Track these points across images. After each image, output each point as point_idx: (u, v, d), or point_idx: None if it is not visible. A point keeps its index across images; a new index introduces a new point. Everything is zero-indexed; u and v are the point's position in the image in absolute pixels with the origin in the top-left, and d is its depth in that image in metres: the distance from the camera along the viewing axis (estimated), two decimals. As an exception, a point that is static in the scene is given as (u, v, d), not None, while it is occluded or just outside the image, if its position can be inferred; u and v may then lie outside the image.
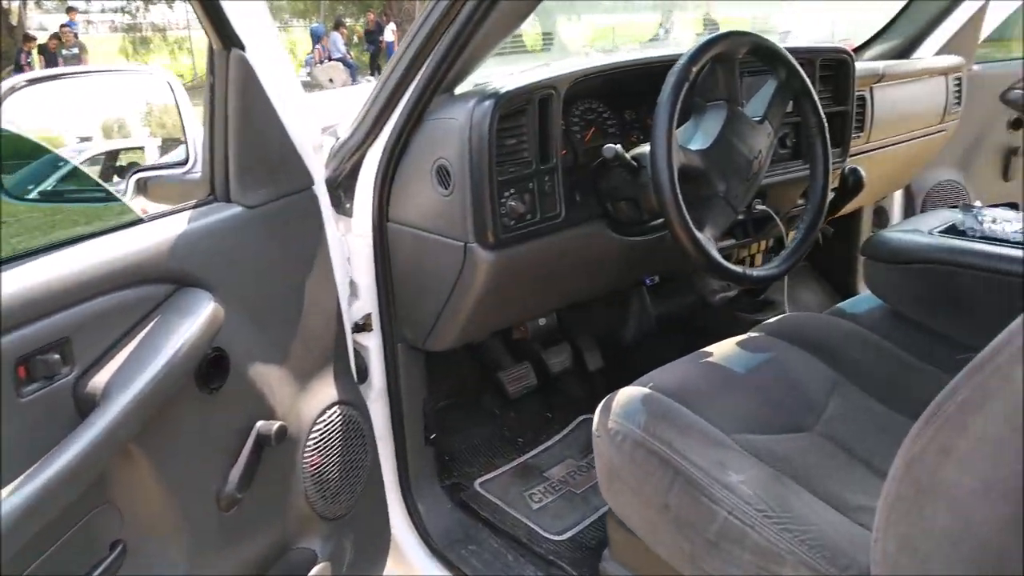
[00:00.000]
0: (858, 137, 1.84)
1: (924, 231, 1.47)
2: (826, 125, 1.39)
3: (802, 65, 1.49)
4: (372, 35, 16.05)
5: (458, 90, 1.31)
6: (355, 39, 17.23)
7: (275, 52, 1.12)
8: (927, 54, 2.27)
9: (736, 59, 1.29)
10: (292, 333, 1.18)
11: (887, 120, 1.92)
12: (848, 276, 2.55)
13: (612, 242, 1.44)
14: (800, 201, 1.83)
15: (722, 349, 1.40)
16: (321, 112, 1.57)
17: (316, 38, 15.86)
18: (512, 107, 1.22)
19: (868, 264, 1.51)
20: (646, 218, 1.43)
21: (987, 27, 2.37)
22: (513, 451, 1.77)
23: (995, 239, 1.43)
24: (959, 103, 2.18)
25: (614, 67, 1.44)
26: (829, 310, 1.61)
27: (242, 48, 1.05)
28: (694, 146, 1.26)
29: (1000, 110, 2.43)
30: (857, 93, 1.79)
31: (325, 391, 1.25)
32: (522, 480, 1.67)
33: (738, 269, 1.28)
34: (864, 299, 1.58)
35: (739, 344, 1.43)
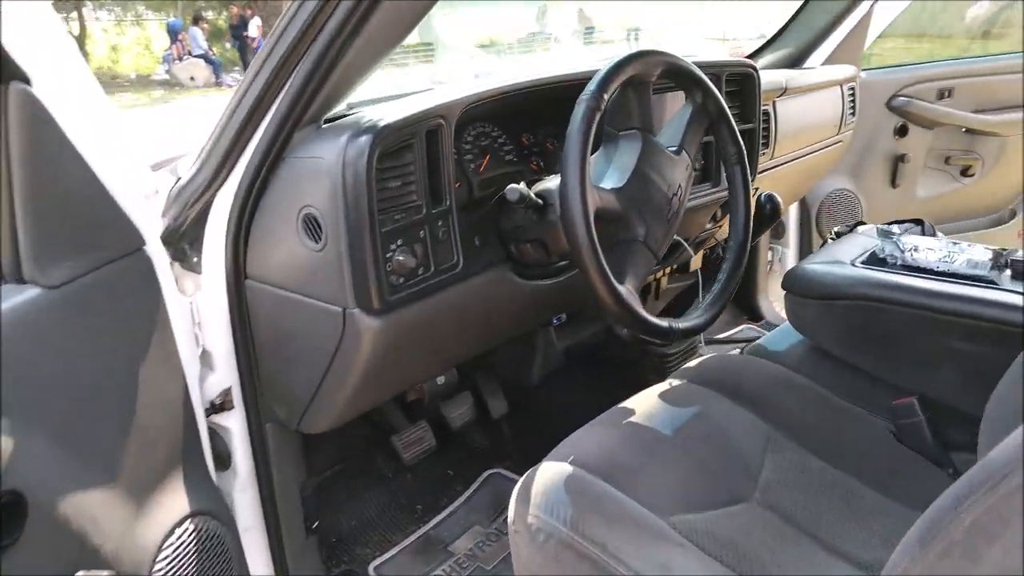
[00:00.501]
0: (763, 154, 1.74)
1: (846, 262, 1.36)
2: (745, 153, 1.25)
3: (710, 78, 1.37)
4: (237, 30, 15.20)
5: (325, 122, 1.08)
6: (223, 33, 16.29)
7: (77, 81, 0.85)
8: (816, 62, 2.22)
9: (650, 82, 1.13)
10: (121, 440, 0.91)
11: (790, 134, 1.83)
12: (751, 294, 2.49)
13: (518, 288, 1.25)
14: (708, 225, 1.71)
15: (645, 405, 1.24)
16: (160, 139, 1.29)
17: (174, 34, 14.85)
18: (394, 143, 1.00)
19: (790, 299, 1.39)
20: (555, 260, 1.25)
21: (874, 31, 2.34)
22: (412, 521, 1.55)
23: (918, 269, 1.34)
24: (854, 113, 2.14)
25: (510, 89, 1.25)
26: (750, 348, 1.49)
27: (25, 81, 0.78)
28: (608, 184, 1.09)
29: (886, 117, 2.41)
30: (763, 108, 1.68)
31: (172, 504, 1.00)
32: (424, 558, 1.45)
33: (664, 324, 1.12)
34: (784, 333, 1.47)
35: (662, 397, 1.27)
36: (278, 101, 1.01)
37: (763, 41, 2.25)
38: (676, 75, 1.17)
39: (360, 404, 1.19)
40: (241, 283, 1.11)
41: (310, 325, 1.06)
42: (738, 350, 1.84)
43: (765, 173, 1.79)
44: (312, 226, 1.01)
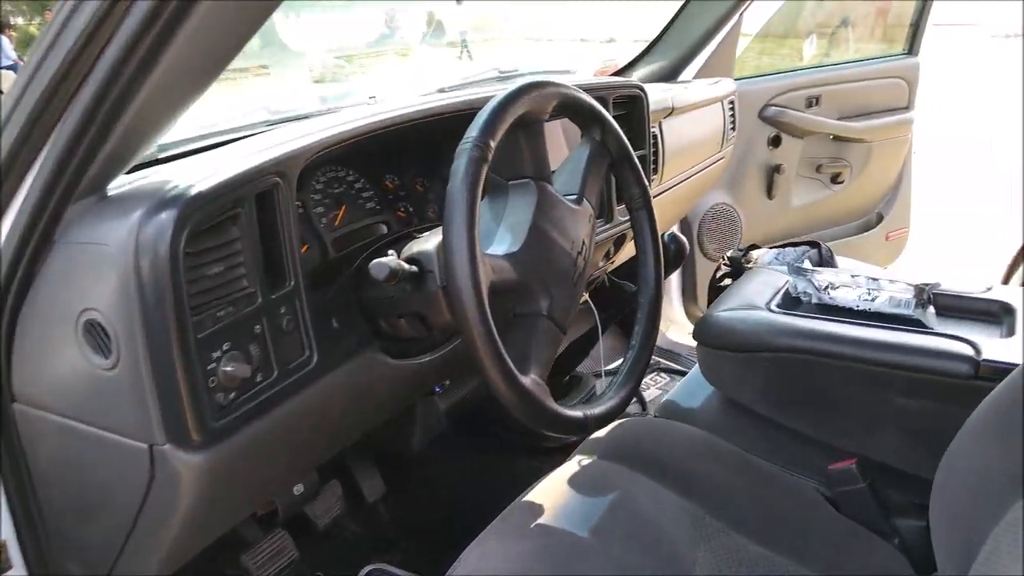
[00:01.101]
0: (652, 180, 1.58)
1: (761, 306, 1.21)
2: (651, 195, 1.07)
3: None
4: (57, 39, 13.79)
5: (113, 189, 0.79)
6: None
7: None
8: (690, 74, 2.11)
9: (542, 121, 0.92)
10: None
11: (676, 155, 1.69)
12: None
13: (391, 370, 1.01)
14: (601, 263, 1.53)
15: (553, 498, 1.03)
16: None
17: (-27, 42, 13.35)
18: (211, 216, 0.74)
19: (703, 351, 1.23)
20: (436, 335, 1.03)
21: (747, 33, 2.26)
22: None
23: (837, 309, 1.21)
24: (734, 127, 2.03)
25: (371, 129, 1.01)
26: (661, 407, 1.31)
27: None
28: (500, 248, 0.87)
29: (759, 128, 2.34)
30: (651, 131, 1.53)
31: None
32: None
33: (578, 415, 0.91)
34: (697, 386, 1.31)
35: (573, 484, 1.07)
36: (39, 162, 0.72)
37: (613, 44, 2.11)
38: (573, 110, 0.97)
39: (193, 546, 0.90)
40: (7, 409, 0.81)
41: (106, 465, 0.78)
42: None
43: (654, 200, 1.63)
44: (98, 336, 0.72)
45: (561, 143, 1.36)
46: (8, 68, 12.57)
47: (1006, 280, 1.70)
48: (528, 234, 0.88)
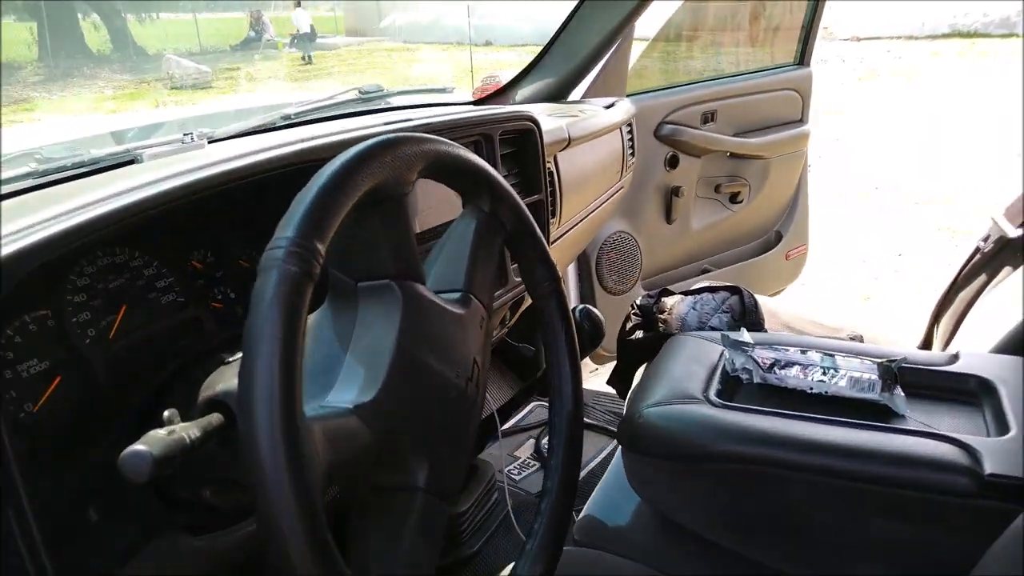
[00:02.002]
0: (551, 224, 1.33)
1: (698, 395, 0.97)
2: (560, 279, 0.80)
3: (478, 143, 0.91)
4: None
5: None
6: None
7: None
8: (579, 93, 1.88)
9: (405, 194, 0.64)
10: None
11: (575, 191, 1.44)
12: (537, 366, 2.10)
13: (198, 557, 0.70)
14: (495, 332, 1.26)
15: None
16: None
17: None
18: None
19: (631, 459, 0.98)
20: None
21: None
22: None
23: (786, 392, 0.99)
24: (633, 153, 1.81)
25: (156, 203, 0.69)
26: (579, 525, 1.05)
27: None
28: (347, 395, 0.57)
29: (655, 148, 2.14)
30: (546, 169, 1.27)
31: None
32: None
33: None
34: (622, 498, 1.06)
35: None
36: None
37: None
38: (449, 173, 0.69)
39: None
40: None
41: None
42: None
43: (554, 245, 1.38)
44: None
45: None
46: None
47: (926, 343, 1.55)
48: (390, 369, 0.59)
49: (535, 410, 2.03)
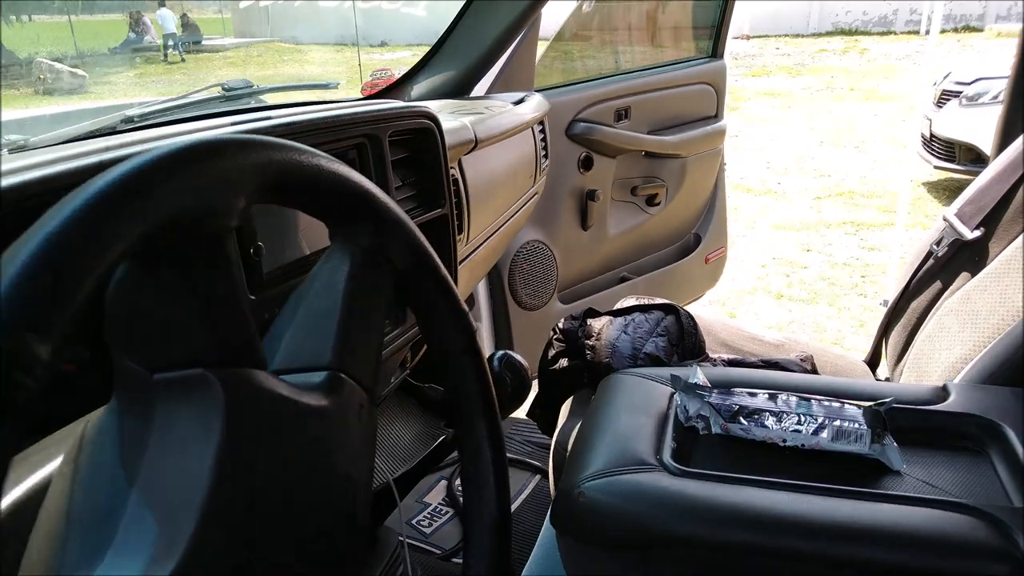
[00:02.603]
0: (459, 240, 1.11)
1: (649, 459, 0.78)
2: (476, 337, 0.58)
3: (361, 147, 0.69)
4: None
5: None
6: None
7: None
8: (483, 88, 1.67)
9: (228, 230, 0.40)
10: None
11: (484, 201, 1.23)
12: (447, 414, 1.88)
13: None
14: (395, 377, 1.03)
15: None
16: None
17: None
18: None
19: (572, 547, 0.77)
20: None
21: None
22: None
23: (755, 444, 0.81)
24: (547, 154, 1.61)
25: None
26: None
27: None
28: (128, 569, 0.34)
29: (568, 148, 1.96)
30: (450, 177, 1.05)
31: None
32: None
33: None
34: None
35: None
36: None
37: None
38: (301, 193, 0.45)
39: None
40: None
41: None
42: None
43: (462, 265, 1.17)
44: None
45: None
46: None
47: (873, 357, 1.42)
48: (203, 513, 0.36)
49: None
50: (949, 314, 1.23)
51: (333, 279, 0.49)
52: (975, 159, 4.66)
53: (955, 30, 12.60)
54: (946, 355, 1.18)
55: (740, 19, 14.33)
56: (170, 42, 14.02)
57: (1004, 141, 1.39)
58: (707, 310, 3.15)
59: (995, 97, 4.59)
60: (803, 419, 0.80)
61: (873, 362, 1.42)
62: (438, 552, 1.44)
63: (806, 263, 4.00)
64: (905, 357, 1.31)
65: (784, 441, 0.80)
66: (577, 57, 2.45)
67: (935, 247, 1.30)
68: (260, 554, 0.38)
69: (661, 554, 0.70)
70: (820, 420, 0.79)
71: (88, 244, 0.30)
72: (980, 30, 12.82)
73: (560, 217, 2.00)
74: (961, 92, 4.81)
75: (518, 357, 0.91)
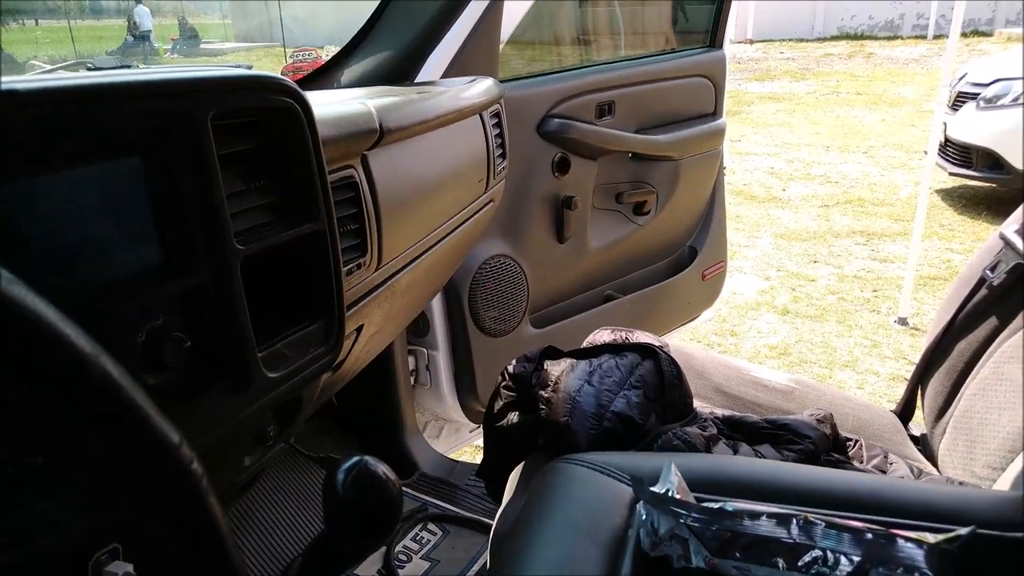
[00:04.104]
0: (362, 264, 0.83)
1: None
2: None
3: (158, 132, 0.43)
4: None
5: None
6: None
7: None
8: (434, 73, 1.38)
9: None
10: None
11: (404, 211, 0.94)
12: (396, 437, 1.60)
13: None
14: (247, 460, 0.74)
15: None
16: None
17: None
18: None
19: None
20: None
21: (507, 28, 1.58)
22: None
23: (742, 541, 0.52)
24: (504, 153, 1.33)
25: None
26: None
27: None
28: None
29: (540, 148, 1.67)
30: (337, 174, 0.77)
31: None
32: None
33: None
34: None
35: None
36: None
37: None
38: None
39: None
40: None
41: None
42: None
43: (373, 296, 0.88)
44: None
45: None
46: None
47: (906, 410, 1.13)
48: None
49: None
50: (1010, 361, 0.94)
51: None
52: (993, 165, 4.37)
53: (964, 35, 12.31)
54: (1008, 417, 0.89)
55: (743, 23, 14.07)
56: (177, 46, 14.02)
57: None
58: (699, 344, 2.87)
59: (1016, 99, 4.30)
60: (831, 557, 0.51)
61: (905, 414, 1.13)
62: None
63: (813, 276, 3.72)
64: (948, 413, 1.02)
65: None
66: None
67: (988, 273, 1.01)
68: None
69: None
70: (856, 561, 0.50)
71: None
72: (989, 34, 12.54)
73: (531, 228, 1.72)
74: (979, 94, 4.53)
75: (381, 469, 0.62)
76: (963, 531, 0.51)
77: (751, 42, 14.18)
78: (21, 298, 0.31)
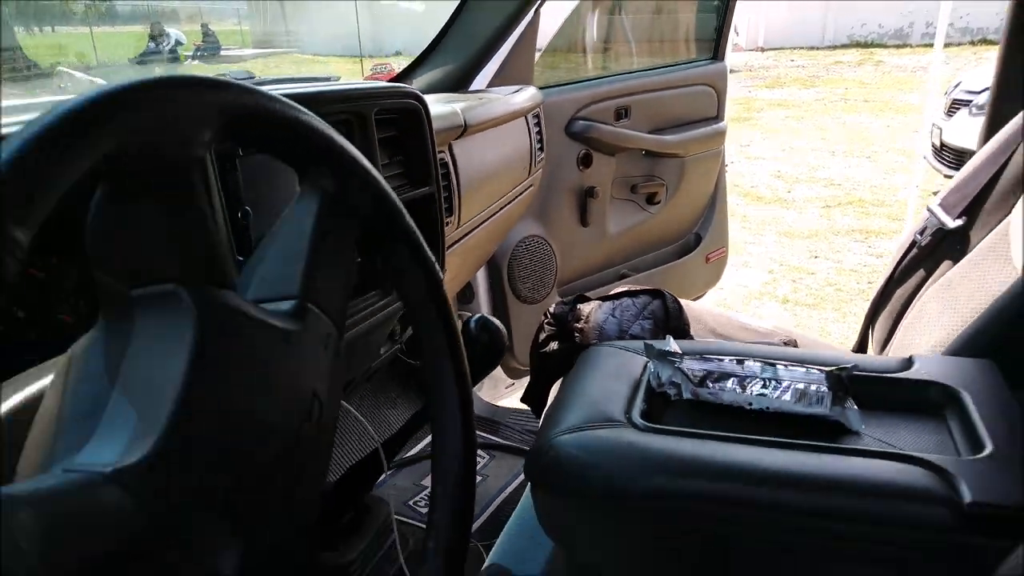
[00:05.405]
0: (448, 223, 1.15)
1: (619, 417, 0.81)
2: (443, 288, 0.62)
3: (348, 123, 0.73)
4: None
5: None
6: None
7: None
8: (483, 82, 1.71)
9: (196, 160, 0.44)
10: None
11: (476, 187, 1.27)
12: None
13: None
14: (384, 350, 1.07)
15: None
16: None
17: None
18: None
19: (545, 499, 0.80)
20: None
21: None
22: None
23: (721, 409, 0.84)
24: (542, 147, 1.65)
25: None
26: (488, 568, 0.87)
27: None
28: (105, 458, 0.38)
29: (567, 145, 2.00)
30: (438, 156, 1.09)
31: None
32: None
33: None
34: (532, 539, 0.88)
35: None
36: None
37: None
38: (265, 134, 0.50)
39: None
40: None
41: None
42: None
43: (453, 249, 1.21)
44: None
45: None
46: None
47: (860, 346, 1.44)
48: (174, 412, 0.40)
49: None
50: (931, 301, 1.25)
51: (302, 220, 0.53)
52: (985, 168, 4.64)
53: (972, 43, 12.56)
54: (926, 339, 1.20)
55: (754, 32, 14.37)
56: (198, 53, 14.30)
57: (989, 134, 1.41)
58: (699, 303, 3.17)
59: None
60: (768, 383, 0.83)
61: (860, 350, 1.45)
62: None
63: (813, 269, 4.01)
64: (890, 344, 1.33)
65: (750, 404, 0.83)
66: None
67: (919, 236, 1.32)
68: (220, 451, 0.42)
69: (627, 504, 0.74)
70: (784, 384, 0.82)
71: (58, 153, 0.34)
72: (996, 43, 12.74)
73: (559, 213, 2.04)
74: (971, 101, 4.82)
75: (493, 320, 0.95)
76: (849, 366, 0.83)
77: (762, 50, 14.47)
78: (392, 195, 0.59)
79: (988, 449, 0.71)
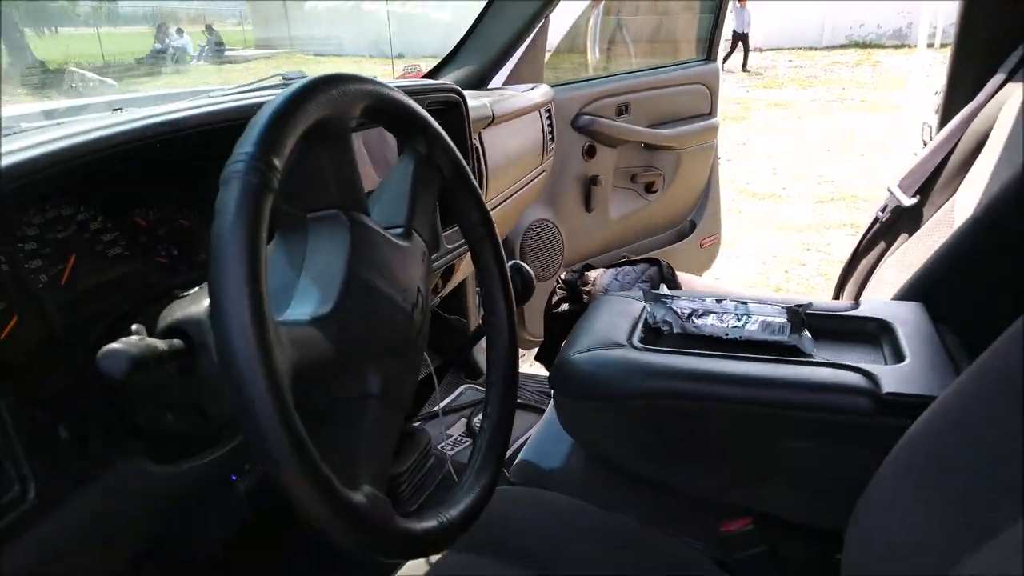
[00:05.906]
0: (478, 199, 1.37)
1: (622, 341, 1.03)
2: (494, 225, 0.85)
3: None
4: None
5: None
6: None
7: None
8: (498, 82, 1.93)
9: (348, 129, 0.67)
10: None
11: (499, 169, 1.49)
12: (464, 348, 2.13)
13: (157, 482, 0.71)
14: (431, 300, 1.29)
15: None
16: None
17: None
18: None
19: (561, 401, 1.03)
20: (217, 426, 0.73)
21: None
22: None
23: (704, 339, 1.06)
24: (553, 138, 1.87)
25: (99, 146, 0.70)
26: (515, 468, 1.09)
27: None
28: (305, 310, 0.60)
29: (573, 138, 2.22)
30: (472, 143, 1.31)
31: None
32: None
33: (433, 524, 0.66)
34: (554, 441, 1.10)
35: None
36: None
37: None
38: (389, 115, 0.73)
39: None
40: None
41: None
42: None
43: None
44: None
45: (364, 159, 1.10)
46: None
47: (836, 295, 1.66)
48: (342, 288, 0.62)
49: (466, 392, 2.06)
50: (890, 268, 1.47)
51: (404, 173, 0.76)
52: (970, 164, 4.86)
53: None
54: (884, 299, 1.42)
55: (753, 33, 14.58)
56: (204, 53, 14.47)
57: (941, 125, 1.63)
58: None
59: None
60: (741, 318, 1.05)
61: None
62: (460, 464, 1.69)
63: (805, 261, 4.23)
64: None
65: (726, 334, 1.05)
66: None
67: (880, 213, 1.54)
68: (370, 314, 0.65)
69: (628, 404, 0.95)
70: (753, 318, 1.04)
71: (289, 120, 0.57)
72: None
73: (566, 199, 2.26)
74: (957, 100, 5.02)
75: (526, 266, 1.17)
76: (805, 304, 1.04)
77: (760, 50, 14.69)
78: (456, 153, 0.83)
79: (908, 360, 0.93)
